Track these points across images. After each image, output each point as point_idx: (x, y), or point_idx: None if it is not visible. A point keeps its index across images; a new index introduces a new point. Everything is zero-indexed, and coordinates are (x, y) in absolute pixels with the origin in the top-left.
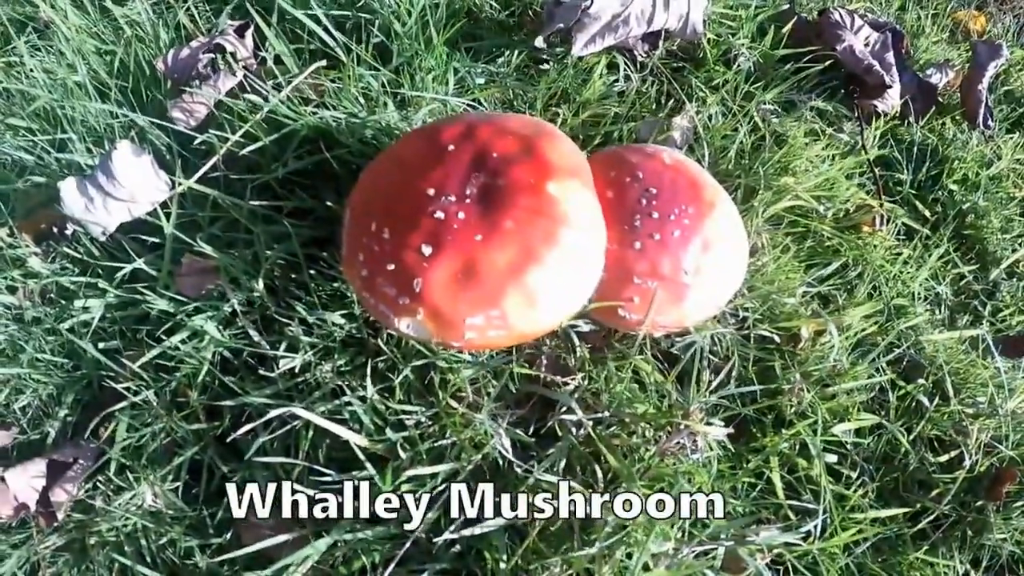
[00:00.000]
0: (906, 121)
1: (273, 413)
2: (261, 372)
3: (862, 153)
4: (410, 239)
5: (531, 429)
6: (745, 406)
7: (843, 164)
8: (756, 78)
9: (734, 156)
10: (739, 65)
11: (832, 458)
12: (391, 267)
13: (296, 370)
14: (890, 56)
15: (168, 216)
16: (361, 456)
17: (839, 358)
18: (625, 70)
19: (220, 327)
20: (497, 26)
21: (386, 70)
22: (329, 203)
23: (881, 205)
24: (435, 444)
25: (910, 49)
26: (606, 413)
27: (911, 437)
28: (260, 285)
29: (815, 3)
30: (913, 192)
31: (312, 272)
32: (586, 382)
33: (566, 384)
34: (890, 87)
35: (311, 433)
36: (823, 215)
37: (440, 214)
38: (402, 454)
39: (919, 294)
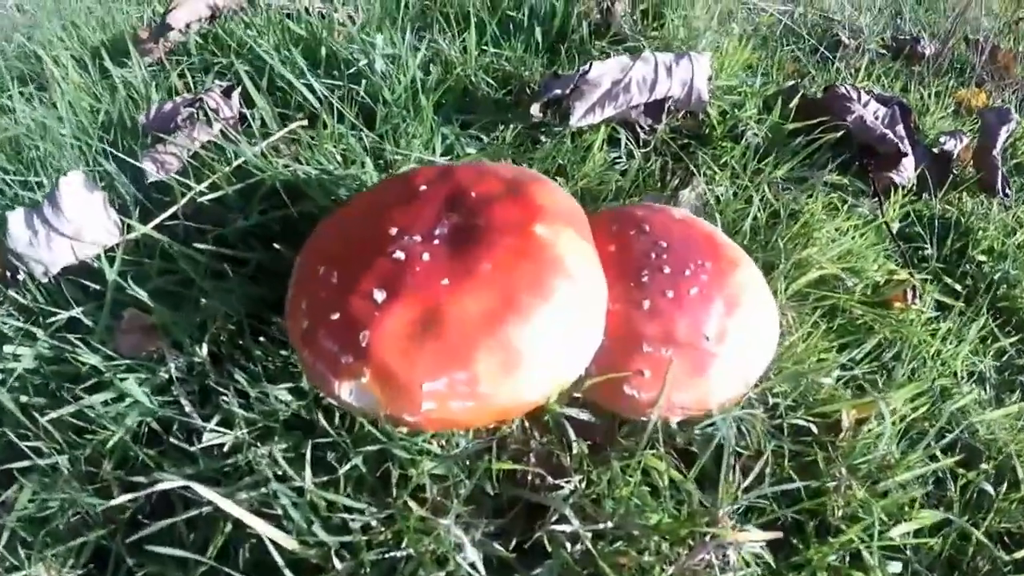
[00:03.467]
0: (923, 196)
1: (163, 485)
2: (188, 448)
3: (884, 227)
4: (361, 283)
5: (512, 543)
6: (782, 508)
7: (866, 237)
8: (765, 153)
9: (748, 231)
10: (747, 140)
11: (895, 567)
12: (335, 316)
13: (227, 450)
14: (900, 128)
15: (112, 261)
16: (280, 561)
17: (888, 447)
18: (627, 145)
19: (150, 393)
20: (493, 104)
21: (371, 133)
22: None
23: (912, 275)
24: (385, 555)
25: (918, 124)
26: (609, 524)
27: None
28: (203, 350)
29: (817, 86)
30: (940, 266)
31: (261, 339)
32: (584, 485)
33: (559, 487)
34: (905, 155)
35: (228, 527)
36: (851, 290)
37: (400, 254)
38: (338, 564)
39: (961, 373)
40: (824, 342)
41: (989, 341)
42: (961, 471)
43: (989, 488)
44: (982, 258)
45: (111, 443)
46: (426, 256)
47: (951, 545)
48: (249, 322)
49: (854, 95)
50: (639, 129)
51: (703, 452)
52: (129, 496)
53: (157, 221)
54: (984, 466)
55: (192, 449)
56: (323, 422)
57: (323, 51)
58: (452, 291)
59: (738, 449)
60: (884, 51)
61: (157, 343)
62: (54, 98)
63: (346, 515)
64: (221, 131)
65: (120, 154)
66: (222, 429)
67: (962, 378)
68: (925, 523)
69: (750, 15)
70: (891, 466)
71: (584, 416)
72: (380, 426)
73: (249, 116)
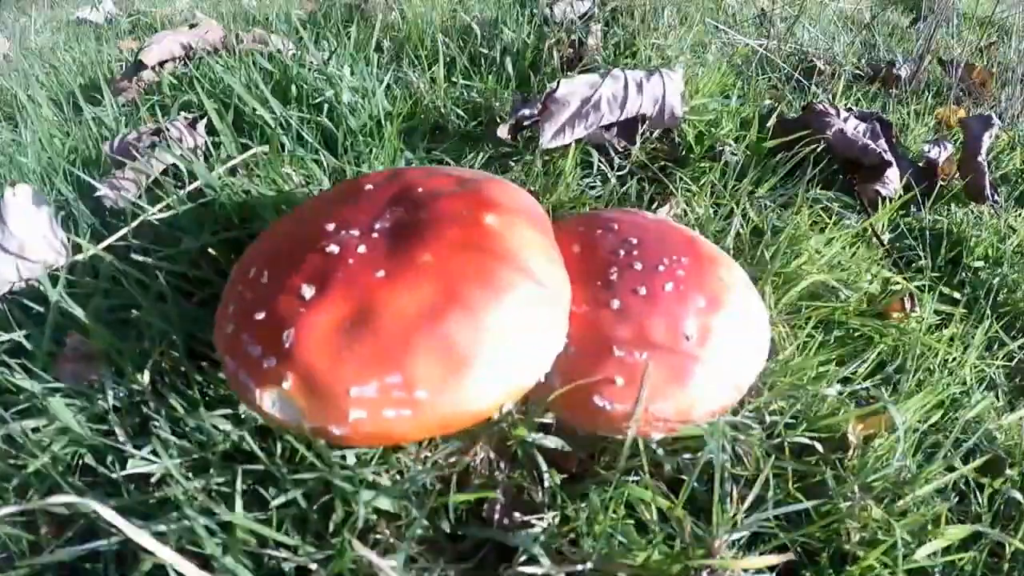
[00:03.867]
0: (912, 208)
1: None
2: (118, 479)
3: (874, 237)
4: (290, 280)
5: None
6: (789, 534)
7: (856, 249)
8: (744, 172)
9: (732, 248)
10: (725, 159)
11: None
12: (260, 316)
13: (156, 481)
14: (882, 141)
15: (56, 281)
16: None
17: (903, 461)
18: (601, 168)
19: (87, 422)
20: (464, 135)
21: (331, 157)
22: None
23: (909, 281)
24: None
25: (899, 138)
26: (588, 565)
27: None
28: (145, 378)
29: (794, 109)
30: (936, 276)
31: (204, 364)
32: (558, 522)
33: (529, 525)
34: (890, 164)
35: (148, 565)
36: (846, 301)
37: (334, 248)
38: None
39: (970, 380)
40: (821, 355)
41: (996, 347)
42: (985, 480)
43: (1018, 495)
44: (978, 264)
45: (31, 468)
46: (362, 248)
47: (984, 562)
48: (195, 347)
49: (832, 111)
50: (612, 151)
51: (693, 475)
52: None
53: (107, 242)
54: (1009, 472)
55: (116, 477)
56: (256, 449)
57: (293, 88)
58: (388, 285)
59: (734, 473)
60: (860, 75)
61: (99, 372)
62: (24, 132)
63: (279, 554)
64: (180, 156)
65: (83, 176)
66: (151, 458)
67: (972, 385)
68: (954, 540)
69: (724, 47)
70: (908, 481)
71: (555, 443)
72: (314, 448)
73: (211, 145)
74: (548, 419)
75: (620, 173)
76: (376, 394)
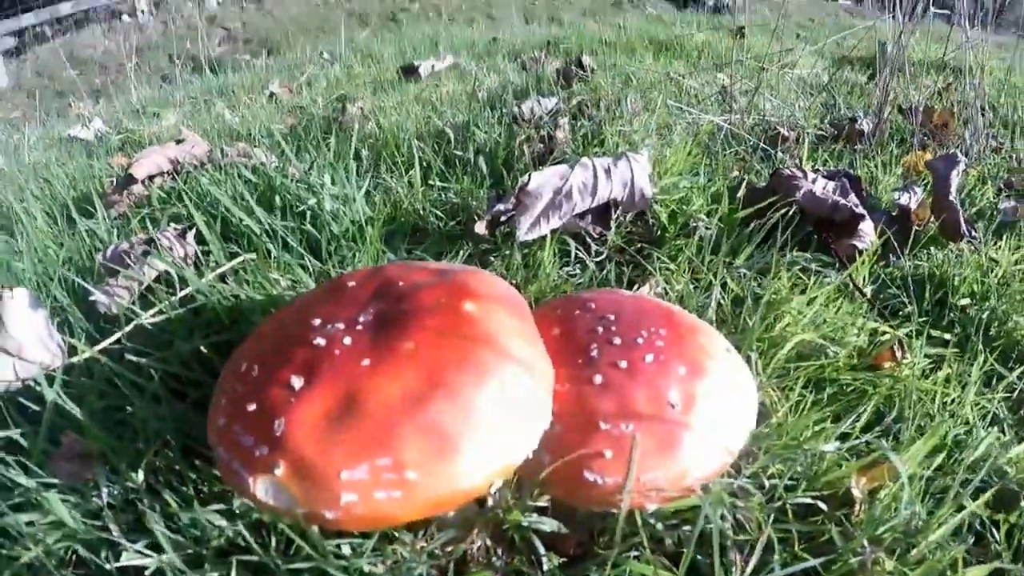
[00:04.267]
0: (890, 257)
1: None
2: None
3: (855, 290)
4: (279, 372)
5: None
6: None
7: (839, 305)
8: (719, 245)
9: (714, 320)
10: (700, 234)
11: None
12: (251, 407)
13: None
14: (852, 196)
15: (52, 381)
16: None
17: (912, 507)
18: (579, 256)
19: (82, 517)
20: (444, 235)
21: (317, 262)
22: None
23: (896, 328)
24: None
25: (869, 191)
26: None
27: None
28: (140, 476)
29: (762, 179)
30: (923, 320)
31: (197, 462)
32: None
33: None
34: (863, 217)
35: None
36: (834, 358)
37: (321, 341)
38: None
39: (972, 418)
40: (815, 414)
41: (995, 381)
42: (1000, 517)
43: None
44: (965, 302)
45: (24, 559)
46: (347, 340)
47: None
48: (189, 446)
49: (800, 174)
50: (589, 238)
51: (692, 546)
52: None
53: (102, 345)
54: None
55: (110, 568)
56: (251, 541)
57: (277, 198)
58: (372, 373)
59: (737, 540)
60: (824, 135)
61: (94, 470)
62: (20, 241)
63: None
64: (172, 263)
65: (78, 281)
66: (145, 551)
67: (975, 423)
68: None
69: (688, 126)
70: (920, 529)
71: (551, 526)
72: (309, 538)
73: (200, 253)
74: (544, 502)
75: (598, 259)
76: (367, 476)
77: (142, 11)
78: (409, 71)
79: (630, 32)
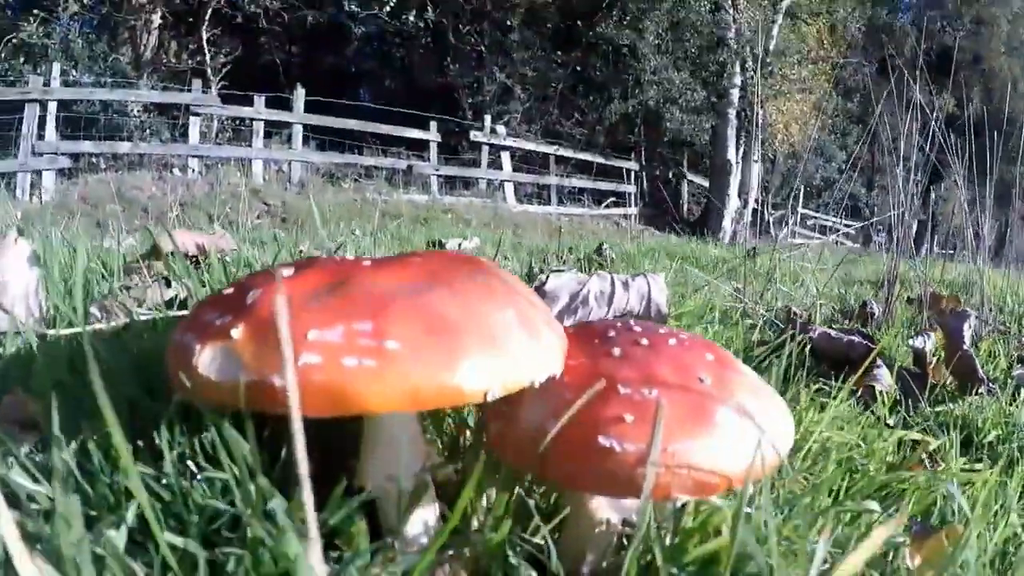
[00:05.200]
0: (909, 403)
1: None
2: None
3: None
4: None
5: None
6: None
7: (862, 427)
8: None
9: None
10: None
11: None
12: (228, 291)
13: None
14: (866, 343)
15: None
16: None
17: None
18: None
19: None
20: None
21: None
22: None
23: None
24: None
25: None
26: None
27: None
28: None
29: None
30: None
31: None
32: None
33: None
34: (878, 366)
35: None
36: (864, 468)
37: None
38: None
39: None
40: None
41: None
42: None
43: None
44: (991, 439)
45: None
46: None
47: None
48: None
49: (812, 325)
50: None
51: None
52: None
53: (78, 329)
54: None
55: None
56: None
57: None
58: (373, 270)
59: None
60: (835, 319)
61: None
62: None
63: None
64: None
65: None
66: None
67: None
68: None
69: (701, 289)
70: None
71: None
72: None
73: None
74: (539, 539)
75: None
76: (339, 339)
77: (192, 169)
78: (436, 246)
79: (649, 244)
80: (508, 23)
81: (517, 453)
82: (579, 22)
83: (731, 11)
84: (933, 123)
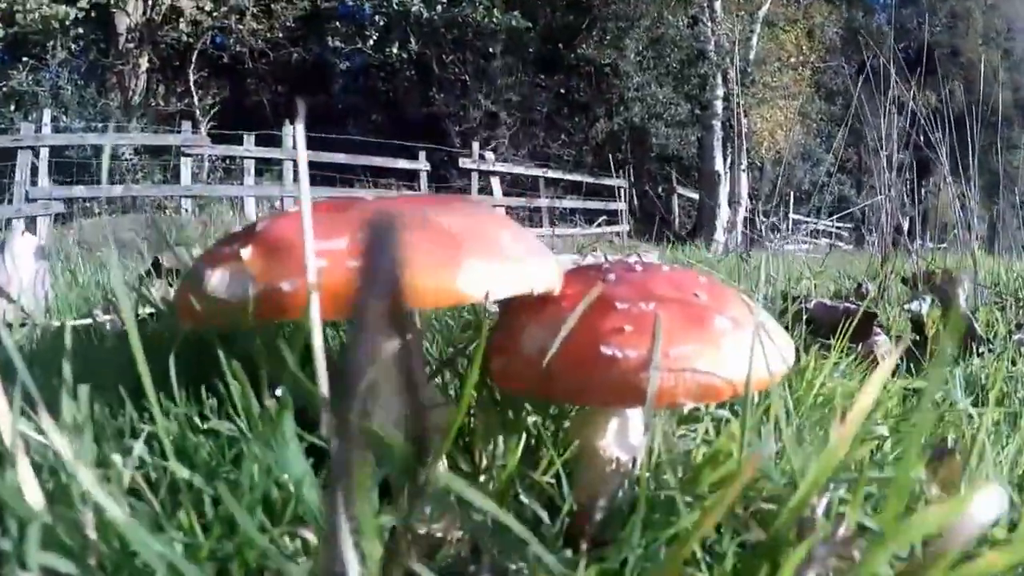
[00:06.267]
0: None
1: None
2: None
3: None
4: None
5: None
6: None
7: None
8: None
9: None
10: None
11: None
12: (238, 230)
13: None
14: (858, 311)
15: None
16: None
17: None
18: None
19: None
20: None
21: None
22: None
23: None
24: None
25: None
26: None
27: None
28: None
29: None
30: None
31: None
32: None
33: None
34: (875, 315)
35: None
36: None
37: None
38: None
39: None
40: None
41: None
42: None
43: None
44: (995, 394)
45: None
46: None
47: None
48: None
49: (810, 297)
50: None
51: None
52: None
53: (82, 321)
54: None
55: None
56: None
57: None
58: (377, 199)
59: None
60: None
61: None
62: None
63: None
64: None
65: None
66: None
67: None
68: None
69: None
70: None
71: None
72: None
73: None
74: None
75: None
76: (346, 246)
77: (186, 209)
78: None
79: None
80: (490, 50)
81: (522, 379)
82: (560, 45)
83: (709, 24)
84: (916, 115)
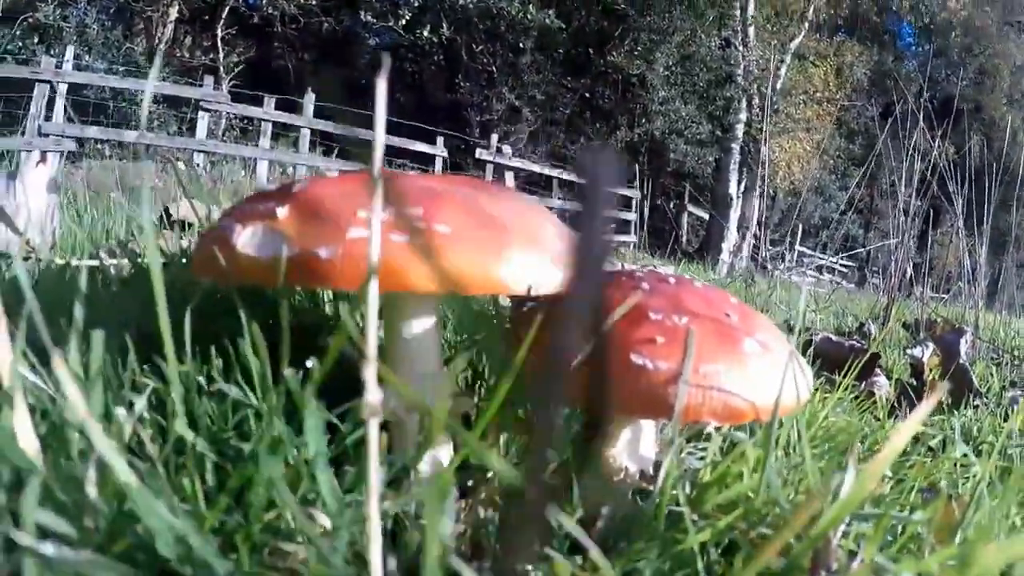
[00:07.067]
0: (906, 412)
1: None
2: None
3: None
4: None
5: None
6: None
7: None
8: None
9: None
10: None
11: None
12: (272, 188)
13: None
14: (863, 349)
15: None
16: None
17: None
18: None
19: None
20: None
21: None
22: None
23: None
24: None
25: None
26: None
27: None
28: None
29: None
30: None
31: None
32: None
33: None
34: (878, 356)
35: None
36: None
37: None
38: None
39: None
40: None
41: None
42: None
43: None
44: (986, 445)
45: None
46: None
47: None
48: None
49: (815, 330)
50: None
51: None
52: None
53: (88, 262)
54: None
55: None
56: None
57: None
58: (418, 175)
59: None
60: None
61: None
62: None
63: None
64: None
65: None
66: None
67: None
68: None
69: None
70: None
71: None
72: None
73: None
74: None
75: None
76: (389, 217)
77: (198, 164)
78: None
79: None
80: (520, 46)
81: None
82: (590, 50)
83: (741, 48)
84: (935, 164)
